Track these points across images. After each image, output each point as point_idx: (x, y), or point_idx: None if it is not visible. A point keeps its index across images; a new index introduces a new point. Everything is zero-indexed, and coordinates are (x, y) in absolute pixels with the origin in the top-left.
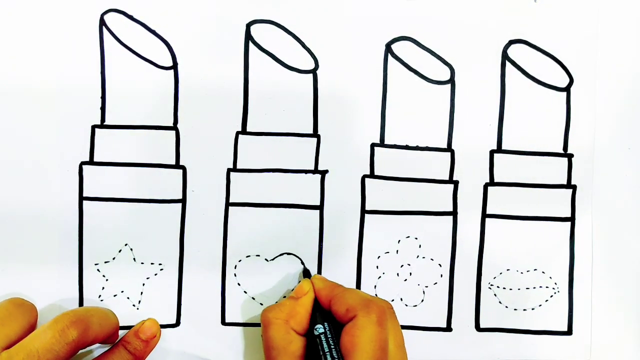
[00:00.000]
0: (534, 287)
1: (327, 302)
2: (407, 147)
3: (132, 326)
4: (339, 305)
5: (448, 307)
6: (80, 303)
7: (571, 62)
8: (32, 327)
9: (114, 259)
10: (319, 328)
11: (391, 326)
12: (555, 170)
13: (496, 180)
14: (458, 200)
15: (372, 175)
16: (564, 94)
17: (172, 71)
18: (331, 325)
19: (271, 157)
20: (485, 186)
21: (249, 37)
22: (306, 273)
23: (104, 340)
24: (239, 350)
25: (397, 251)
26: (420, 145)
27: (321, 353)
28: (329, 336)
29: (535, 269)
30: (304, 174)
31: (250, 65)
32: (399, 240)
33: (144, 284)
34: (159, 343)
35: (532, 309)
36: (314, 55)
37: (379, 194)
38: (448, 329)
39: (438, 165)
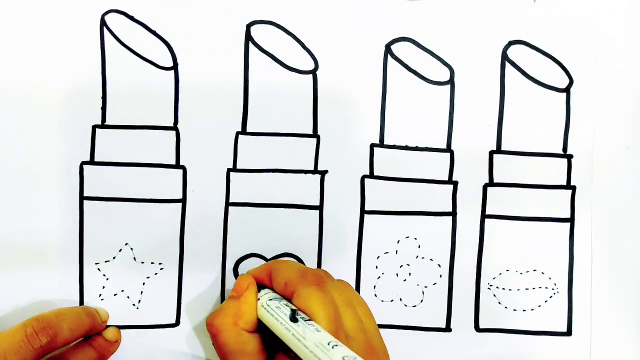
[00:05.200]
0: (533, 288)
1: (270, 283)
2: (406, 148)
3: (132, 326)
4: (278, 280)
5: (447, 307)
6: (81, 302)
7: (571, 62)
8: None
9: (114, 258)
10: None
11: (332, 287)
12: (555, 171)
13: (495, 180)
14: (457, 201)
15: (371, 175)
16: (564, 94)
17: (172, 71)
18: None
19: (271, 157)
20: (485, 187)
21: (249, 38)
22: (236, 273)
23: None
24: None
25: (397, 251)
26: (420, 145)
27: (279, 314)
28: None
29: (534, 270)
30: (303, 174)
31: (250, 66)
32: (399, 241)
33: (144, 284)
34: (159, 343)
35: (532, 309)
36: (314, 56)
37: (379, 194)
38: (447, 329)
39: (437, 166)
